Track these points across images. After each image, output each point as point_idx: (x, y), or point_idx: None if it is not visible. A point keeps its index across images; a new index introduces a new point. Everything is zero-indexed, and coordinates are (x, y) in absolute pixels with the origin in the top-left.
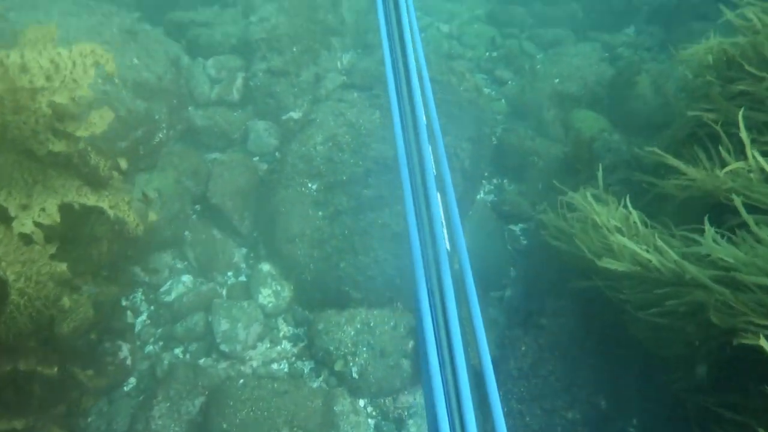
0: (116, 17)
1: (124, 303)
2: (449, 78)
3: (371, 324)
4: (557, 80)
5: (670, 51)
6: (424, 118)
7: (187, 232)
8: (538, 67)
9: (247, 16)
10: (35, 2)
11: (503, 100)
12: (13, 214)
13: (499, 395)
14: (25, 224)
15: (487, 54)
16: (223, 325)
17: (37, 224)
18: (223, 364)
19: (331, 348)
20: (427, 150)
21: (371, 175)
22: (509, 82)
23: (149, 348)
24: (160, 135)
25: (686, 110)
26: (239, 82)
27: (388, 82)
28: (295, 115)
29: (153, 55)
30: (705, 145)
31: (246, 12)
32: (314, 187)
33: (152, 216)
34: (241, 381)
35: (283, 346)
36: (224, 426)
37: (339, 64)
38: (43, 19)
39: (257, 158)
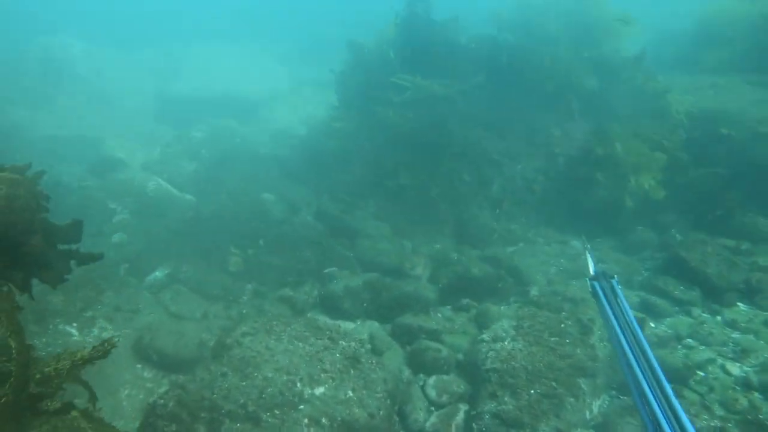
0: (342, 341)
1: None
2: None
3: None
4: None
5: None
6: None
7: None
8: None
9: (480, 326)
10: (271, 327)
11: None
12: None
13: None
14: None
15: None
16: None
17: None
18: None
19: None
20: None
21: None
22: None
23: None
24: None
25: None
26: (460, 417)
27: None
28: None
29: (370, 386)
30: None
31: (479, 320)
32: None
33: None
34: None
35: None
36: None
37: (588, 414)
38: (273, 345)
39: None
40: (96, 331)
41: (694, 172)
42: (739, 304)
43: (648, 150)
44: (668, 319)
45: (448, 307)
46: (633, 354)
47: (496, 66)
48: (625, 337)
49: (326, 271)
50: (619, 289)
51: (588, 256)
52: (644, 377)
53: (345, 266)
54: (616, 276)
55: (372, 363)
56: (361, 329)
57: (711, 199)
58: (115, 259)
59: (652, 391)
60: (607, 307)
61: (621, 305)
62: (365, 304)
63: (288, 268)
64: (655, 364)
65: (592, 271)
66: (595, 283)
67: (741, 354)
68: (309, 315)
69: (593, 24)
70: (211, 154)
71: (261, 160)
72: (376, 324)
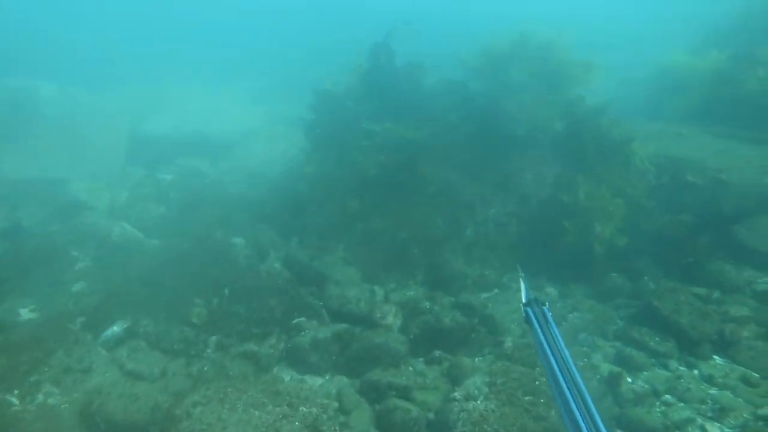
0: (303, 406)
1: None
2: None
3: None
4: None
5: None
6: None
7: None
8: None
9: (453, 381)
10: (225, 395)
11: None
12: None
13: None
14: None
15: None
16: None
17: None
18: None
19: None
20: None
21: None
22: None
23: None
24: None
25: None
26: None
27: None
28: None
29: None
30: None
31: (452, 373)
32: None
33: None
34: None
35: None
36: None
37: None
38: (226, 415)
39: None
40: (41, 397)
41: (662, 219)
42: (715, 357)
43: (610, 197)
44: (645, 372)
45: (420, 359)
46: (563, 377)
47: (465, 112)
48: (555, 360)
49: (294, 321)
50: (549, 315)
51: (522, 283)
52: (573, 398)
53: (313, 316)
54: (547, 303)
55: (335, 431)
56: (328, 385)
57: (679, 246)
58: (72, 312)
59: (579, 411)
60: (539, 332)
61: (552, 331)
62: (334, 357)
63: (254, 318)
64: (583, 387)
65: (524, 298)
66: (528, 309)
67: (720, 413)
68: (275, 370)
69: (558, 70)
70: (180, 197)
71: (231, 203)
72: (345, 379)
